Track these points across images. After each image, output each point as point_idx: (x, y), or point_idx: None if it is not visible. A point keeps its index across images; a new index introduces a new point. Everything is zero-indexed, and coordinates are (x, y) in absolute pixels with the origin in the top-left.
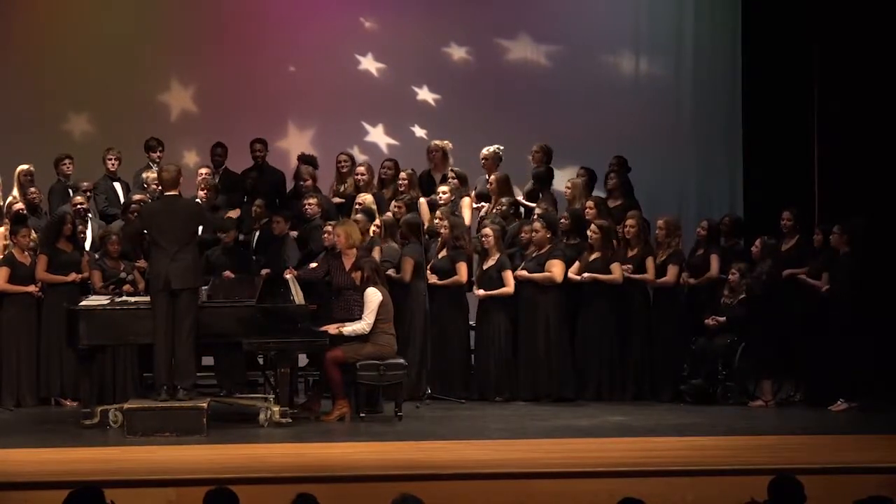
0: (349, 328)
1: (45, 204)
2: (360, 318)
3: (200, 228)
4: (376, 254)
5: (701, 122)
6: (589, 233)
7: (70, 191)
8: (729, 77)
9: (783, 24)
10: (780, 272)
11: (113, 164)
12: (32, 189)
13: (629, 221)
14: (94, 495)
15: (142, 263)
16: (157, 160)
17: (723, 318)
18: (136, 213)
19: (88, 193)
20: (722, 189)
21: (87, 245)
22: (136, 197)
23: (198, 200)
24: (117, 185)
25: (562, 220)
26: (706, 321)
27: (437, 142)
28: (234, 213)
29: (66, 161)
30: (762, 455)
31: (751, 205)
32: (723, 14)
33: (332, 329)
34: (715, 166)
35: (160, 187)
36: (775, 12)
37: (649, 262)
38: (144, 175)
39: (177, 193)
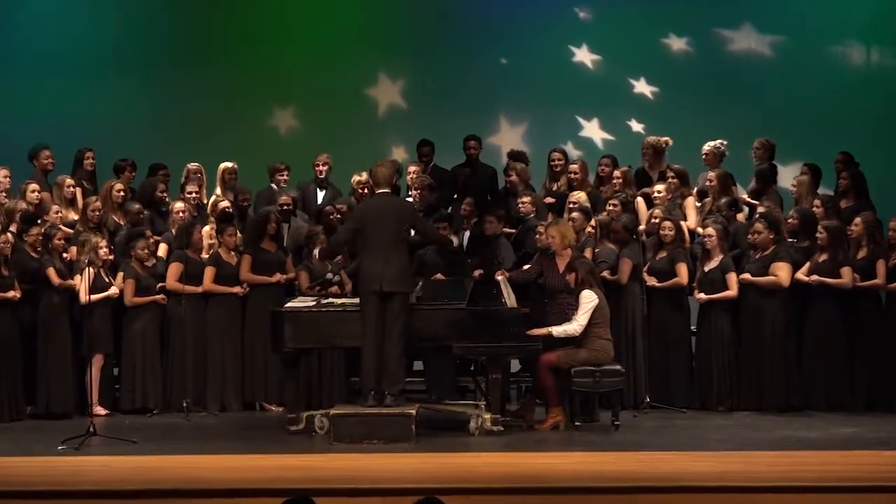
0: (559, 329)
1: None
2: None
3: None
4: (588, 254)
5: None
6: (817, 234)
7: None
8: None
9: None
10: None
11: (322, 170)
12: (244, 195)
13: (856, 220)
14: None
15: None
16: None
17: None
18: (344, 214)
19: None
20: None
21: None
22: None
23: (409, 200)
24: (321, 193)
25: (789, 220)
26: None
27: (652, 138)
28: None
29: (284, 172)
30: None
31: None
32: None
33: (541, 331)
34: None
35: (372, 185)
36: None
37: (879, 266)
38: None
39: (390, 191)
